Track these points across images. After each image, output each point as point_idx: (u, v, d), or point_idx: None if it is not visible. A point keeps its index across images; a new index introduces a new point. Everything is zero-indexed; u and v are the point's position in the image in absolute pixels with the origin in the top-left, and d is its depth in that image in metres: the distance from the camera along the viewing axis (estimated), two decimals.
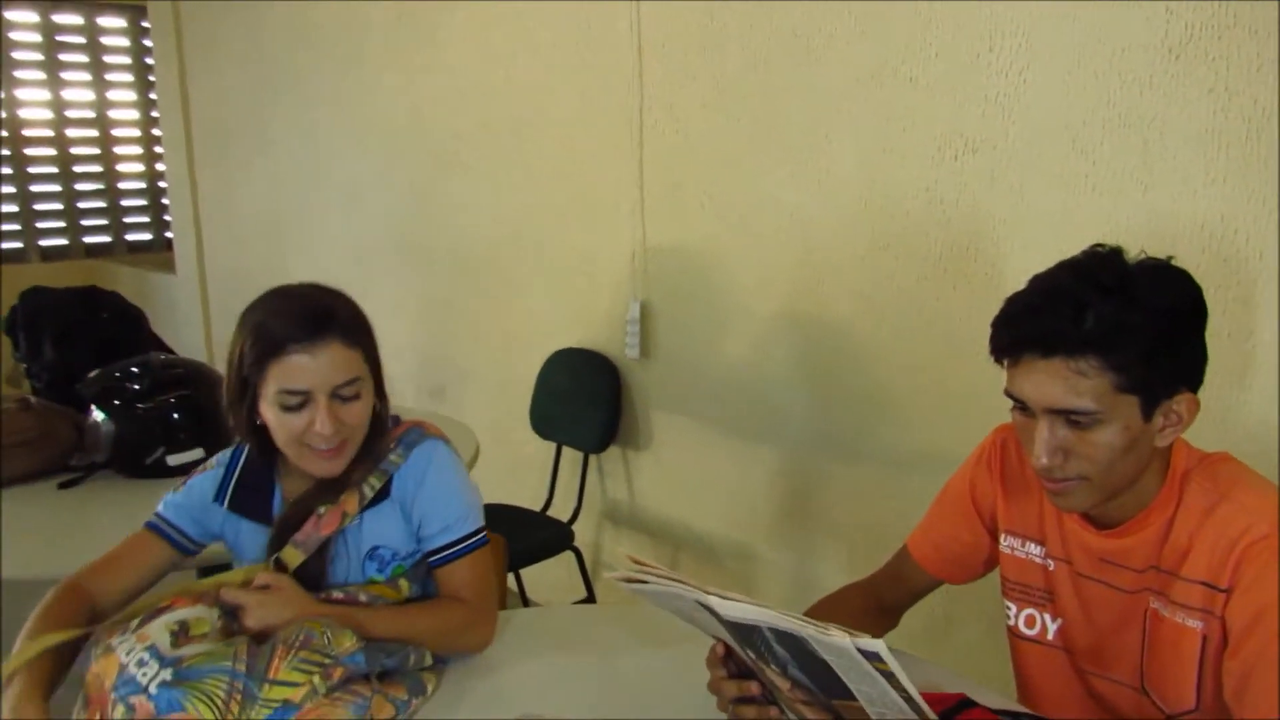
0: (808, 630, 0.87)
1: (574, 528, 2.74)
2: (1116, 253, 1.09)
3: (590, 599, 2.78)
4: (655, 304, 2.62)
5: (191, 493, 1.40)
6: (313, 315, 1.29)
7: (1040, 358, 1.07)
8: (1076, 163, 1.78)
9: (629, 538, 2.87)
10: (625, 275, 2.66)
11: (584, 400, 2.75)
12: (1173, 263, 1.08)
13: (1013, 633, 1.31)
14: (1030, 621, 1.28)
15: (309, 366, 1.26)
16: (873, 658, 0.84)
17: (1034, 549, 1.27)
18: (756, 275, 2.36)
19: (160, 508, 1.39)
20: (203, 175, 4.56)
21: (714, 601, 0.95)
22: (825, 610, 1.38)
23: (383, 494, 1.38)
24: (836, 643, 0.85)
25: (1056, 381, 1.06)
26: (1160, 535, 1.13)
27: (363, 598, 1.33)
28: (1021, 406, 1.12)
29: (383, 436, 1.39)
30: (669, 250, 2.56)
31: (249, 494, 1.40)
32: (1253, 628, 1.03)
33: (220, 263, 4.57)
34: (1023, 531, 1.28)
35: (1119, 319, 1.03)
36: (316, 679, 1.17)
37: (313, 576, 1.34)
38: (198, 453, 2.25)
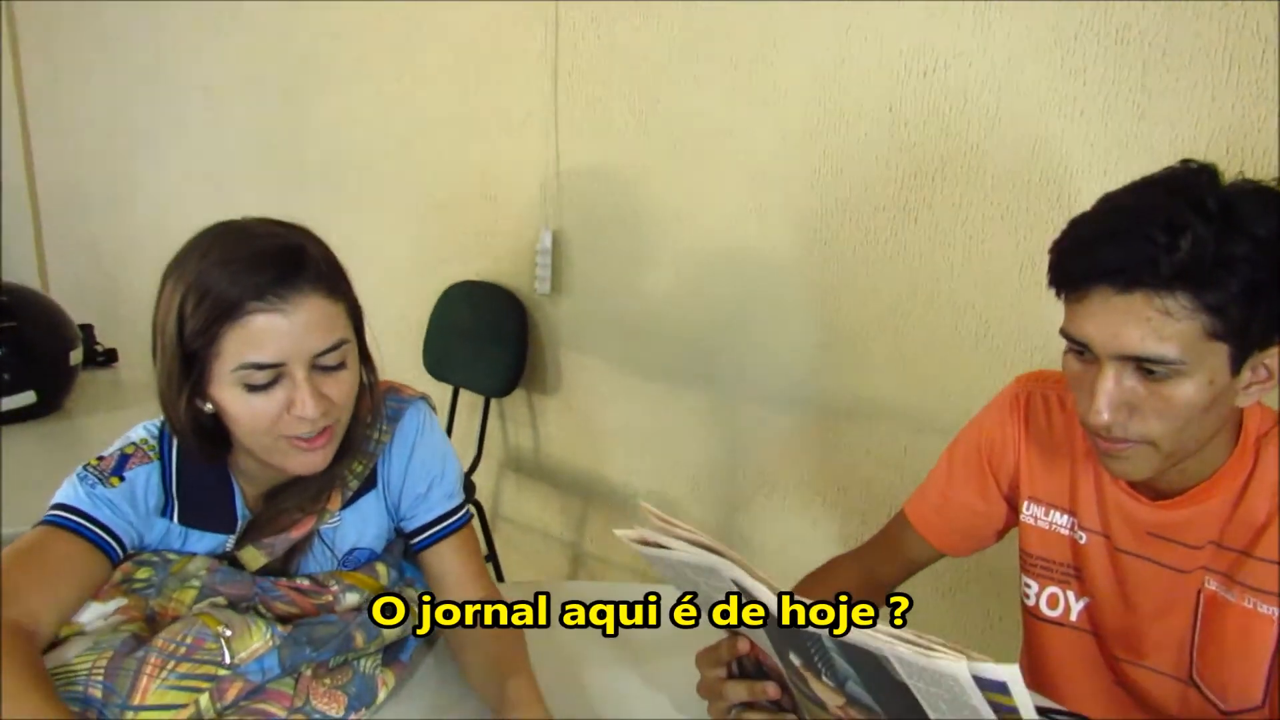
0: (900, 649, 0.65)
1: (473, 479, 2.47)
2: (1211, 171, 0.89)
3: (490, 556, 2.53)
4: (569, 233, 2.35)
5: (134, 492, 1.00)
6: (280, 258, 0.94)
7: (1116, 292, 0.87)
8: (1064, 82, 1.59)
9: (533, 489, 2.62)
10: (535, 200, 2.38)
11: (485, 339, 2.47)
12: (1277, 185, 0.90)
13: (1031, 613, 1.14)
14: (1053, 601, 1.11)
15: (280, 329, 0.92)
16: (995, 688, 0.62)
17: (1060, 519, 1.10)
18: (687, 202, 2.12)
19: (85, 503, 0.96)
20: (30, 74, 3.99)
21: (765, 595, 0.73)
22: (814, 587, 1.18)
23: (368, 484, 1.10)
24: (944, 668, 0.63)
25: (1135, 322, 0.86)
26: (1227, 508, 0.97)
27: (334, 586, 1.06)
28: (1079, 350, 0.93)
29: (370, 416, 1.09)
30: (586, 172, 2.29)
31: (202, 505, 1.04)
32: None
33: (53, 177, 4.03)
34: (1048, 499, 1.10)
35: (1220, 249, 0.84)
36: (204, 699, 0.91)
37: (274, 573, 1.06)
38: (28, 397, 1.93)
